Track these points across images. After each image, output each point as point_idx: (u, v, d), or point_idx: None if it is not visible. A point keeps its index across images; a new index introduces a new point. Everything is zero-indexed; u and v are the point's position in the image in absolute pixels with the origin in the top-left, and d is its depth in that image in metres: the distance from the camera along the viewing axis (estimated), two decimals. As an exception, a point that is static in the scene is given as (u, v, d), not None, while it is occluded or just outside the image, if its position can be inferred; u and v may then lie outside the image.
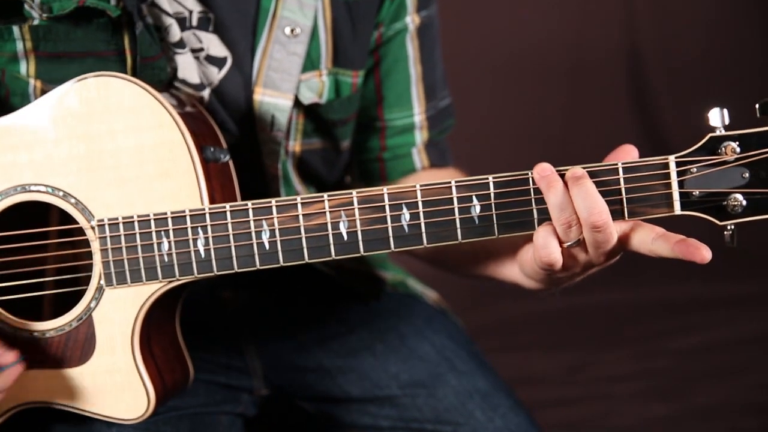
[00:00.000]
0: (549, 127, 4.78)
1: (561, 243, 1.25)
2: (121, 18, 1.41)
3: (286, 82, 1.55)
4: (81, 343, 1.37)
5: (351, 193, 1.29)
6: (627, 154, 1.26)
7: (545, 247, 1.25)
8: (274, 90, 1.55)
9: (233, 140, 1.53)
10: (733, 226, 1.25)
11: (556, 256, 1.25)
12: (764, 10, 4.93)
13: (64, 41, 1.41)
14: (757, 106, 1.21)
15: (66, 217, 1.39)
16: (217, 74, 1.52)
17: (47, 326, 1.38)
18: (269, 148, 1.57)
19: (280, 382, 1.70)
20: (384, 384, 1.68)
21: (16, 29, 1.40)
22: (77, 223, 1.36)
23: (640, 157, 1.27)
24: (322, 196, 1.29)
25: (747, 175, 1.22)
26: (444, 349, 1.71)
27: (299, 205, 1.29)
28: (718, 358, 3.30)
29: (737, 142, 1.22)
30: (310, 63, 1.59)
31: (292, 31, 1.55)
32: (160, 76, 1.46)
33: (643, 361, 3.35)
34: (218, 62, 1.52)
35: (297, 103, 1.58)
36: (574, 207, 1.23)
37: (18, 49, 1.42)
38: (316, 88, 1.60)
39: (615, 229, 1.24)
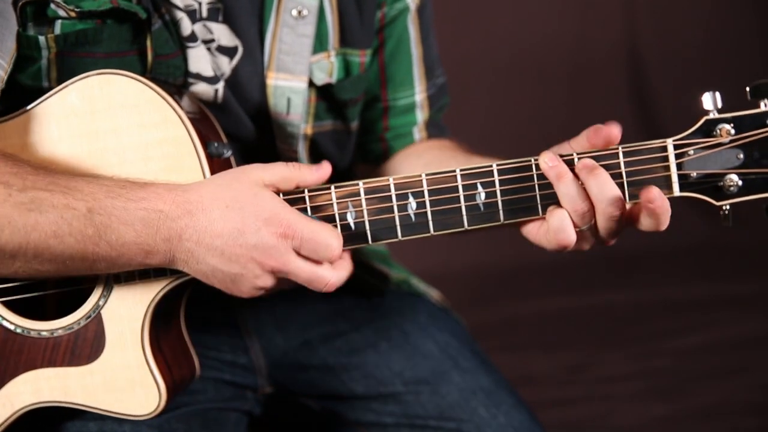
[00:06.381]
0: (549, 126, 4.77)
1: (575, 226, 1.29)
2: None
3: (298, 64, 1.56)
4: (90, 341, 1.38)
5: (357, 184, 1.31)
6: (609, 131, 1.30)
7: (562, 230, 1.29)
8: (288, 73, 1.56)
9: (248, 130, 1.54)
10: (728, 206, 1.28)
11: (573, 239, 1.29)
12: (762, 10, 4.95)
13: (90, 44, 1.40)
14: (747, 88, 1.25)
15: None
16: (228, 64, 1.52)
17: (55, 325, 1.38)
18: (285, 132, 1.58)
19: (284, 380, 1.70)
20: (388, 381, 1.68)
21: (42, 40, 1.38)
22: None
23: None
24: (329, 187, 1.31)
25: (741, 156, 1.26)
26: (447, 346, 1.72)
27: (307, 197, 1.31)
28: (718, 358, 3.31)
29: (731, 124, 1.26)
30: (319, 44, 1.60)
31: (299, 12, 1.55)
32: (175, 74, 1.46)
33: (643, 361, 3.36)
34: (229, 52, 1.52)
35: (310, 84, 1.59)
36: (587, 195, 1.27)
37: (43, 66, 1.40)
38: (326, 68, 1.61)
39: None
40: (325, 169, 1.32)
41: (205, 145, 1.34)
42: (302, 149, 1.64)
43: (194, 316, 1.50)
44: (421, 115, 1.76)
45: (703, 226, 3.95)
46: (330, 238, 1.25)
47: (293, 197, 1.31)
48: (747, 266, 3.92)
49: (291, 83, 1.57)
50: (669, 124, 4.83)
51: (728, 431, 2.87)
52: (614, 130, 1.29)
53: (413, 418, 1.66)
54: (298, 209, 1.30)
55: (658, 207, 1.26)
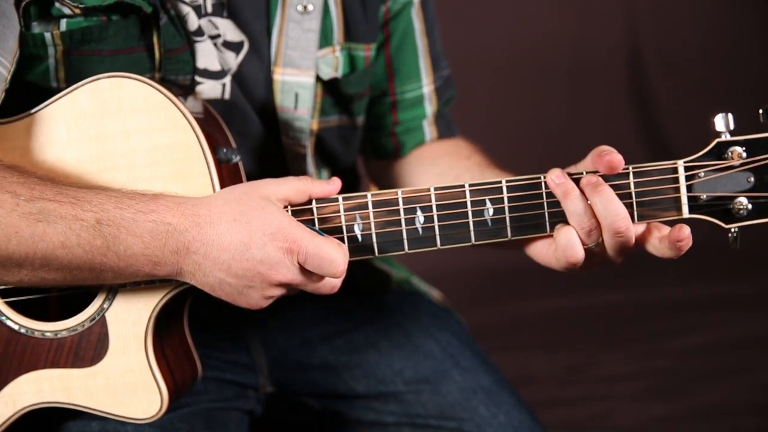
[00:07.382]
0: (550, 125, 4.80)
1: (583, 244, 1.30)
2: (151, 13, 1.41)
3: (305, 59, 1.56)
4: (94, 344, 1.38)
5: (366, 196, 1.31)
6: (611, 158, 1.27)
7: (571, 247, 1.29)
8: (295, 68, 1.56)
9: (255, 126, 1.54)
10: (737, 229, 1.29)
11: (581, 256, 1.30)
12: (762, 10, 4.96)
13: (96, 41, 1.40)
14: (760, 111, 1.25)
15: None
16: (234, 59, 1.52)
17: (60, 326, 1.38)
18: (293, 127, 1.58)
19: (285, 379, 1.70)
20: (389, 380, 1.68)
21: (48, 36, 1.38)
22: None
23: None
24: (337, 198, 1.31)
25: (752, 179, 1.27)
26: (448, 346, 1.72)
27: (314, 208, 1.31)
28: (718, 358, 3.31)
29: (743, 147, 1.26)
30: (324, 39, 1.60)
31: (304, 8, 1.56)
32: (184, 69, 1.46)
33: (643, 361, 3.37)
34: (235, 47, 1.52)
35: (317, 79, 1.59)
36: (594, 213, 1.28)
37: (50, 65, 1.40)
38: (332, 63, 1.61)
39: (633, 232, 1.28)
40: (336, 183, 1.32)
41: (214, 150, 1.34)
42: (308, 145, 1.64)
43: (196, 316, 1.50)
44: (429, 108, 1.77)
45: (706, 227, 3.96)
46: (335, 254, 1.24)
47: (301, 208, 1.31)
48: (747, 266, 3.92)
49: (298, 78, 1.57)
50: (669, 124, 4.84)
51: (728, 431, 2.87)
52: (616, 158, 1.27)
53: (414, 417, 1.66)
54: (305, 220, 1.30)
55: (684, 245, 1.28)
